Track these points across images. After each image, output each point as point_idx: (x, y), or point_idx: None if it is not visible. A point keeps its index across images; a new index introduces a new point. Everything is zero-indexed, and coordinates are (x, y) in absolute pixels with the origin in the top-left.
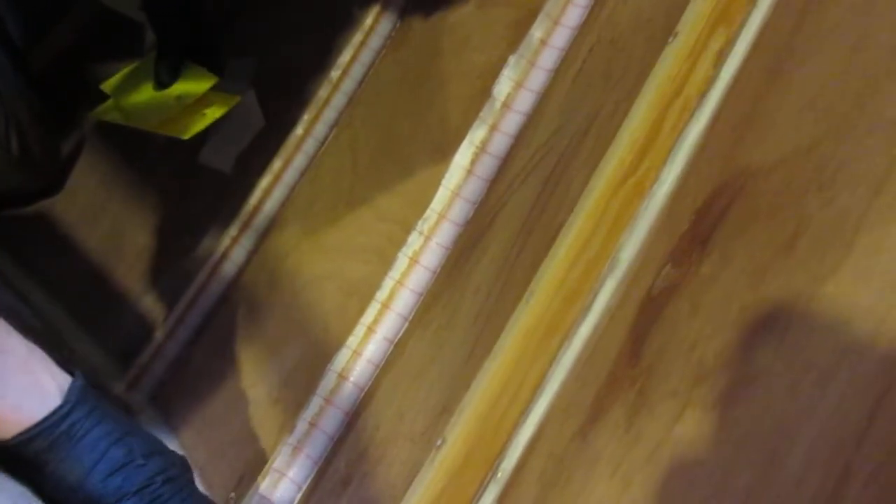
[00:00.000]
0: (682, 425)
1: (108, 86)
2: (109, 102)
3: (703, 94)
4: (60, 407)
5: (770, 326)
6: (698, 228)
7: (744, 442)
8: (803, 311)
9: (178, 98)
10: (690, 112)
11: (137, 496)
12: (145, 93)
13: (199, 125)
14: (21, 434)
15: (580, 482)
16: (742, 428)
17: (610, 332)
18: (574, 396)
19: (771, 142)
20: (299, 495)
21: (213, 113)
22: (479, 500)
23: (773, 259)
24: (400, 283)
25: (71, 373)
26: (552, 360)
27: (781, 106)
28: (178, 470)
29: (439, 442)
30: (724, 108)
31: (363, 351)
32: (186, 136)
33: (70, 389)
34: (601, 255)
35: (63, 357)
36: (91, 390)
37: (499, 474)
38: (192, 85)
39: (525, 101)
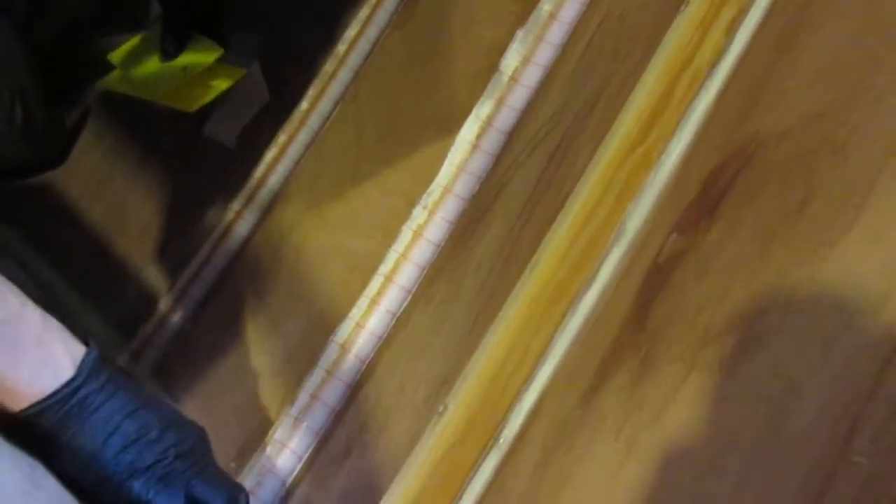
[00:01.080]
0: (688, 387)
1: (115, 56)
2: (116, 73)
3: (713, 65)
4: (73, 379)
5: (778, 290)
6: (706, 197)
7: (751, 401)
8: (812, 274)
9: (184, 69)
10: (700, 82)
11: (149, 472)
12: (152, 64)
13: (205, 97)
14: (33, 406)
15: (583, 446)
16: (749, 388)
17: (615, 301)
18: (578, 364)
19: (782, 109)
20: (300, 465)
21: (219, 85)
22: (480, 466)
23: (782, 223)
24: (404, 256)
25: (87, 343)
26: (556, 328)
27: (793, 74)
28: (193, 443)
29: (441, 408)
30: (735, 78)
31: (366, 323)
32: (192, 109)
33: (84, 361)
34: (608, 223)
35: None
36: (106, 362)
37: (501, 440)
38: (198, 56)
39: (532, 76)
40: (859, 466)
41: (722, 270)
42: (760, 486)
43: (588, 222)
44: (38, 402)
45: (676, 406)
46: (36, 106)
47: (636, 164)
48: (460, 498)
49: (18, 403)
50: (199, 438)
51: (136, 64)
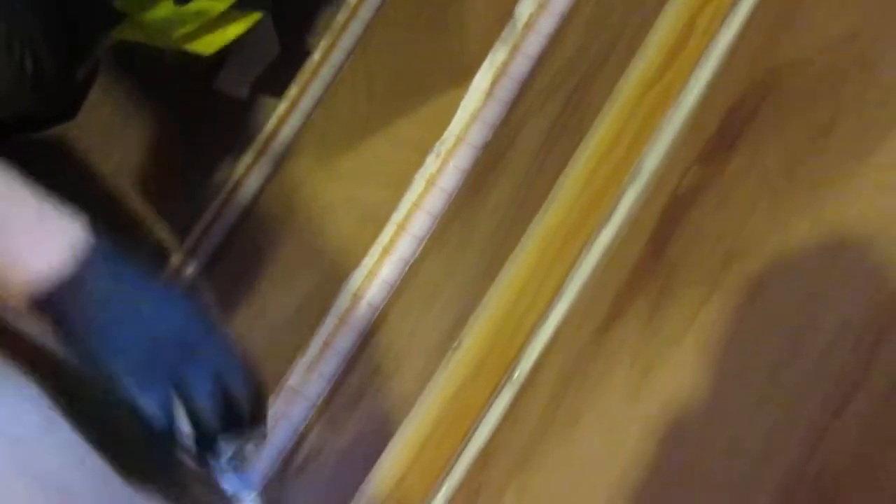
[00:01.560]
0: (708, 310)
1: (121, 2)
2: (130, 20)
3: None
4: (72, 267)
5: (803, 209)
6: (728, 127)
7: (774, 316)
8: (839, 191)
9: (198, 13)
10: (722, 18)
11: (145, 360)
12: (165, 8)
13: (220, 42)
14: (32, 291)
15: (599, 374)
16: (772, 304)
17: (633, 235)
18: (594, 297)
19: (809, 36)
20: (313, 411)
21: (235, 29)
22: (494, 401)
23: (809, 145)
24: (416, 205)
25: (88, 229)
26: (573, 263)
27: (820, 3)
28: (193, 332)
29: (455, 344)
30: (758, 12)
31: (379, 272)
32: (209, 52)
33: (83, 249)
34: (626, 159)
35: None
36: (107, 250)
37: (515, 375)
38: (212, 1)
39: (548, 23)
40: (883, 376)
41: (744, 197)
42: (782, 402)
43: (606, 158)
44: (36, 292)
45: (695, 330)
46: (46, 58)
47: (655, 100)
48: (474, 430)
49: (15, 293)
50: (200, 317)
51: (148, 9)
